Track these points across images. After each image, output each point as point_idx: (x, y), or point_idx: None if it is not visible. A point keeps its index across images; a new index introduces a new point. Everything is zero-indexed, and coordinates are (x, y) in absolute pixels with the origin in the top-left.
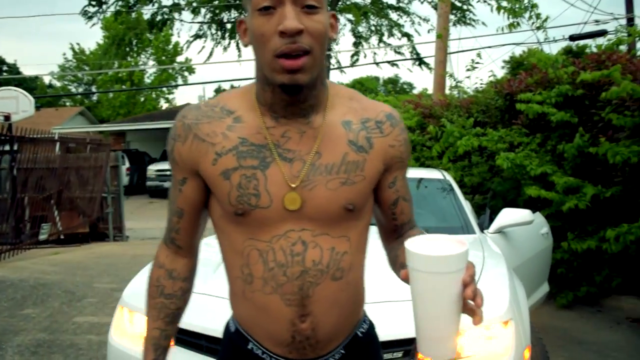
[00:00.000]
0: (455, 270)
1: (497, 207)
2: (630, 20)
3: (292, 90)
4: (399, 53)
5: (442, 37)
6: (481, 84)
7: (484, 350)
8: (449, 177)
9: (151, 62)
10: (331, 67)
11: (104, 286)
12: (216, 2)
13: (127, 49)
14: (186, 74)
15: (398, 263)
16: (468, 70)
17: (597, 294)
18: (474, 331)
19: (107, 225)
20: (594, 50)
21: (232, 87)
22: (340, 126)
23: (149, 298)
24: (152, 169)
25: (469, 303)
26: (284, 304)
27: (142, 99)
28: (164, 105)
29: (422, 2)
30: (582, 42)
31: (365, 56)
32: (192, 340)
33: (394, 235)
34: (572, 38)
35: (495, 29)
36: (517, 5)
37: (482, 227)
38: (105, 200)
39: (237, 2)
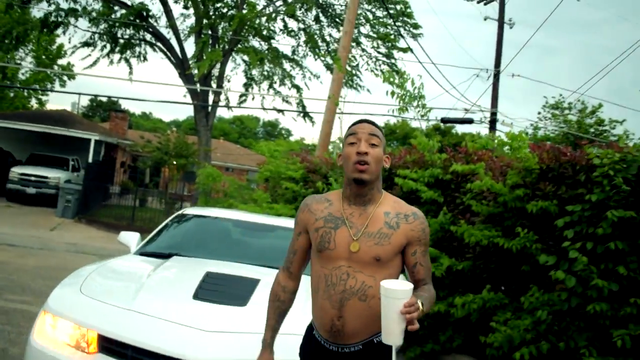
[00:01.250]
0: (402, 297)
1: None
2: (494, 115)
3: (359, 182)
4: (287, 102)
5: (333, 99)
6: None
7: None
8: None
9: (29, 59)
10: (219, 103)
11: None
12: (116, 16)
13: (13, 43)
14: (65, 78)
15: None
16: None
17: (440, 351)
18: None
19: None
20: (459, 132)
21: (109, 99)
22: (382, 214)
23: (269, 302)
24: (16, 171)
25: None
26: (330, 307)
27: (12, 94)
28: (34, 105)
29: (315, 60)
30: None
31: (253, 98)
32: (118, 349)
33: (415, 286)
34: (444, 121)
35: (387, 110)
36: (407, 94)
37: None
38: None
39: (137, 21)
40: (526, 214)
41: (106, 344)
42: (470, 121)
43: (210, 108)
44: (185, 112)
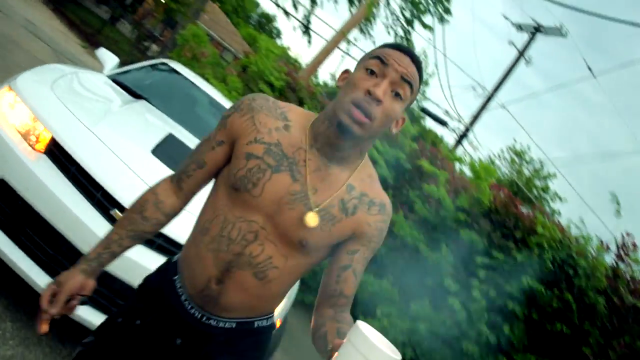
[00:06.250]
0: None
1: None
2: (467, 131)
3: (343, 131)
4: (295, 7)
5: (343, 33)
6: None
7: None
8: None
9: None
10: None
11: None
12: None
13: None
14: None
15: (324, 336)
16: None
17: None
18: None
19: None
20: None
21: None
22: (344, 184)
23: (128, 211)
24: None
25: None
26: (212, 264)
27: None
28: None
29: None
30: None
31: None
32: (63, 161)
33: (329, 303)
34: (423, 110)
35: None
36: None
37: None
38: None
39: None
40: (454, 235)
41: (55, 149)
42: (444, 123)
43: None
44: None
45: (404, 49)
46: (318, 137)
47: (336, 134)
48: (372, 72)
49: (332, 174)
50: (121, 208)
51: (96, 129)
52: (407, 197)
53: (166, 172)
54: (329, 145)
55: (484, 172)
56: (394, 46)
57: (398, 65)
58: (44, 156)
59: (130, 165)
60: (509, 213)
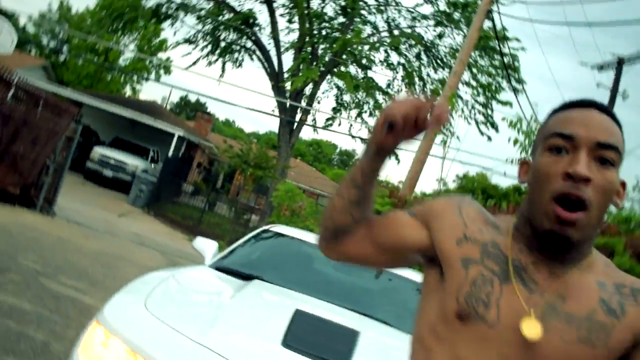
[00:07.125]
0: None
1: None
2: None
3: (557, 241)
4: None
5: (430, 138)
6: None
7: None
8: None
9: (132, 48)
10: (305, 123)
11: (29, 264)
12: (223, 19)
13: (121, 26)
14: (162, 72)
15: None
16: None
17: None
18: None
19: (39, 193)
20: None
21: (197, 101)
22: (593, 282)
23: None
24: (98, 151)
25: None
26: None
27: (109, 78)
28: (127, 92)
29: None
30: None
31: (340, 124)
32: None
33: None
34: None
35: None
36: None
37: None
38: (47, 169)
39: (242, 26)
40: None
41: None
42: None
43: (295, 125)
44: (266, 126)
45: (583, 103)
46: (531, 241)
47: (547, 245)
48: (558, 150)
49: (567, 272)
50: None
51: (208, 338)
52: None
53: None
54: (546, 250)
55: None
56: (569, 105)
57: (588, 131)
58: None
59: None
60: None
